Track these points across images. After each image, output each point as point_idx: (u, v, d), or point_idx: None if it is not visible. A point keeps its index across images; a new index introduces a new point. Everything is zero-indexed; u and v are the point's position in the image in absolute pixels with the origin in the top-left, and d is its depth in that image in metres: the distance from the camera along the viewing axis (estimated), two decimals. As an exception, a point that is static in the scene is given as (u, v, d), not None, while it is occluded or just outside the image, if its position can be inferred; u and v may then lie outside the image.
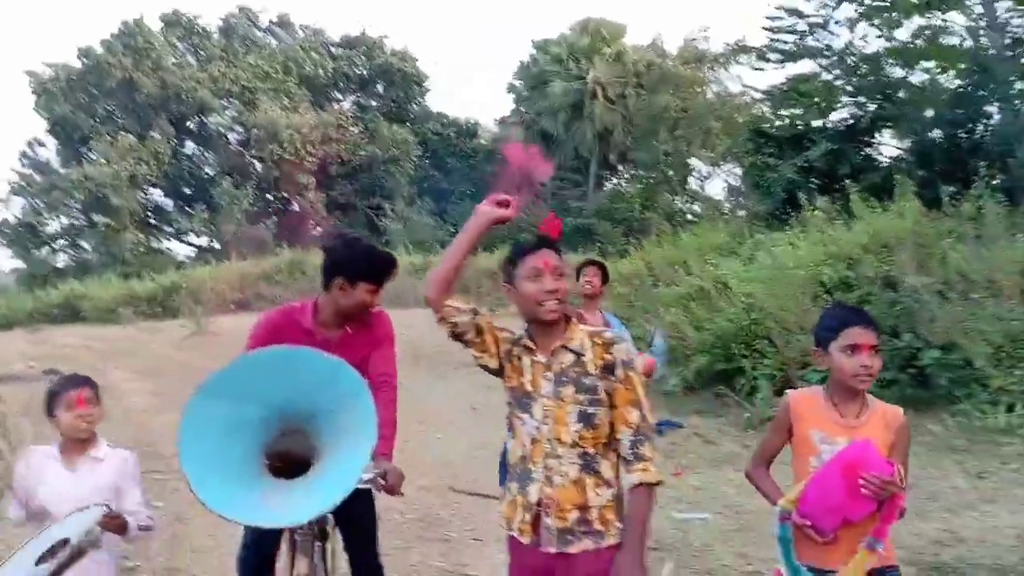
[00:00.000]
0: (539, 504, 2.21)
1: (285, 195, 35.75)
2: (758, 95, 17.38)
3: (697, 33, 32.59)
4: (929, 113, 14.11)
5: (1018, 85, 13.84)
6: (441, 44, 70.46)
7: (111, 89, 33.99)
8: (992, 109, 13.65)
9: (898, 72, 15.14)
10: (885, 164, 14.40)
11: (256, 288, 23.36)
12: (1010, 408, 6.12)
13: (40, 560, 2.39)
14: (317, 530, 2.78)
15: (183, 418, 2.21)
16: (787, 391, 2.51)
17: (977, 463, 5.77)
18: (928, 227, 9.06)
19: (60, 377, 3.00)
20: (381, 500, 3.12)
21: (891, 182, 10.97)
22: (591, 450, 2.20)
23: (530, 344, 2.30)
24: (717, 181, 31.42)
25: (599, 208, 26.68)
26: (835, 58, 15.30)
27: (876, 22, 14.97)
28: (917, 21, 14.96)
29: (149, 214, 35.66)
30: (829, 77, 15.47)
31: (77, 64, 34.53)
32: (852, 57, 15.12)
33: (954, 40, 14.96)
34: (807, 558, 2.28)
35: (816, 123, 15.27)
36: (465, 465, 6.88)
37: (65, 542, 2.44)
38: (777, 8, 15.59)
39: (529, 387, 2.27)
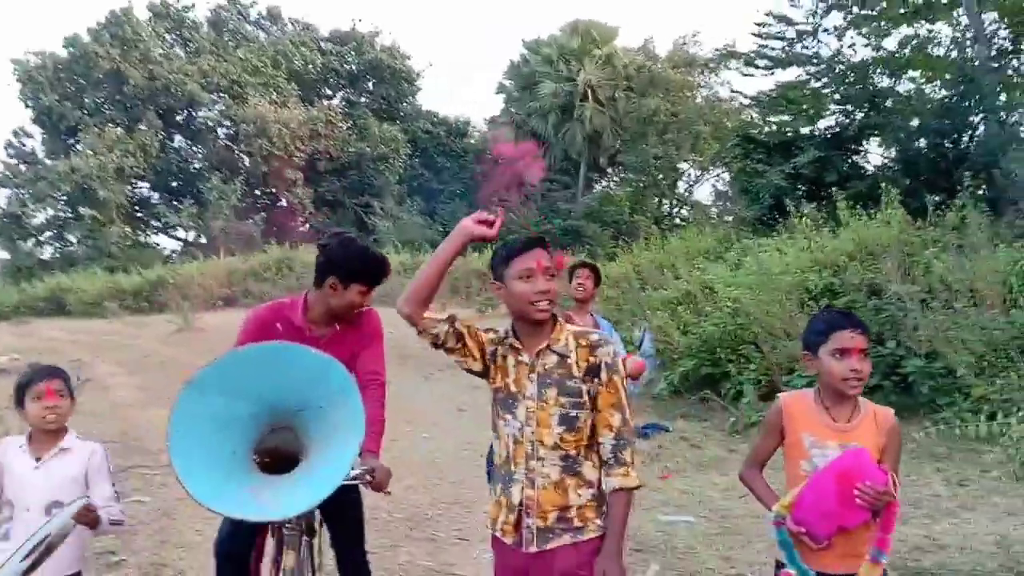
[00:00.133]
0: (521, 505, 2.23)
1: (273, 191, 35.59)
2: (747, 101, 17.52)
3: (688, 37, 32.80)
4: (915, 122, 14.27)
5: (1003, 96, 14.02)
6: (432, 42, 70.48)
7: (98, 80, 33.69)
8: (977, 120, 13.81)
9: (885, 81, 15.30)
10: (871, 172, 14.54)
11: (243, 284, 23.27)
12: (991, 417, 6.18)
13: (26, 557, 2.39)
14: (304, 525, 2.79)
15: (172, 412, 2.21)
16: (779, 394, 2.52)
17: (958, 471, 5.85)
18: (913, 236, 9.16)
19: (30, 368, 2.94)
20: (368, 499, 3.14)
21: (877, 190, 11.07)
22: (573, 452, 2.21)
23: (516, 344, 2.30)
24: (705, 185, 31.57)
25: (588, 210, 26.75)
26: (823, 66, 15.45)
27: (864, 31, 15.13)
28: (904, 31, 15.14)
29: (136, 207, 35.41)
30: (817, 85, 15.62)
31: (63, 53, 34.22)
32: (840, 65, 15.27)
33: (940, 51, 15.15)
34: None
35: (804, 130, 15.41)
36: (451, 465, 6.91)
37: (45, 539, 2.42)
38: (766, 15, 15.73)
39: (513, 388, 2.28)
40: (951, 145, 13.64)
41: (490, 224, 2.27)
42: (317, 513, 2.90)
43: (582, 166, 31.92)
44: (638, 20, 73.24)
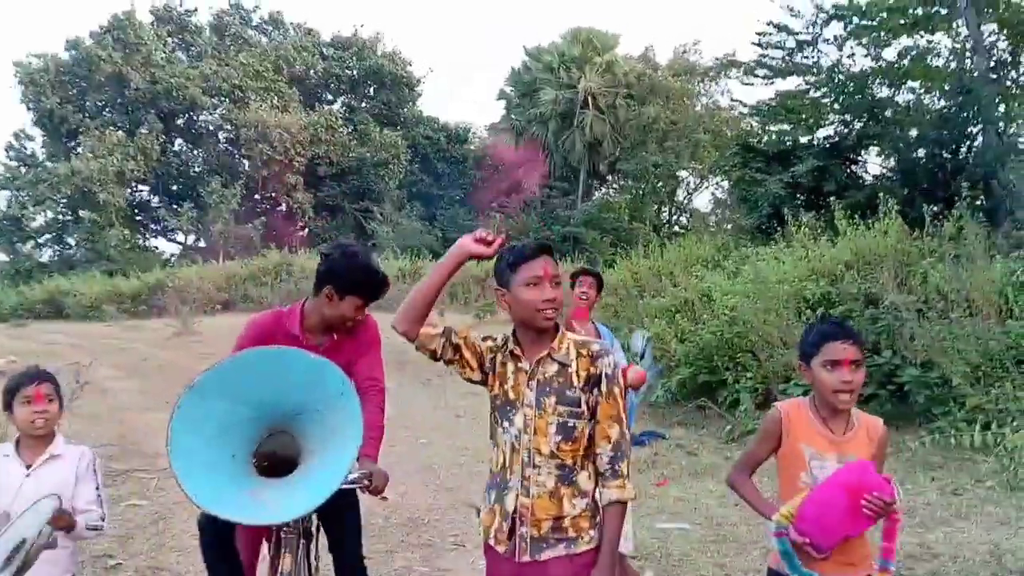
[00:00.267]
0: (515, 513, 2.22)
1: (273, 195, 35.65)
2: (746, 110, 17.56)
3: (688, 46, 32.89)
4: (914, 133, 14.31)
5: (1001, 108, 14.07)
6: (434, 47, 70.66)
7: (100, 83, 33.79)
8: (976, 131, 13.86)
9: (884, 91, 15.35)
10: (870, 182, 14.58)
11: (242, 288, 23.29)
12: (986, 427, 6.21)
13: (5, 563, 2.37)
14: (302, 529, 2.81)
15: (173, 416, 2.23)
16: (775, 403, 2.51)
17: (952, 480, 5.87)
18: (910, 246, 9.18)
19: (19, 372, 2.91)
20: (365, 503, 3.17)
21: (875, 200, 11.10)
22: (569, 462, 2.20)
23: (516, 351, 2.29)
24: (704, 193, 31.65)
25: (587, 217, 26.79)
26: (823, 76, 15.49)
27: (863, 41, 15.18)
28: (904, 42, 15.18)
29: (136, 211, 35.46)
30: (816, 94, 15.66)
31: (65, 56, 34.30)
32: (839, 75, 15.31)
33: (940, 62, 15.19)
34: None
35: (803, 139, 15.46)
36: (449, 470, 6.93)
37: (22, 543, 2.40)
38: (767, 24, 15.78)
39: (511, 395, 2.27)
40: (949, 156, 13.68)
41: (488, 243, 2.27)
42: (314, 517, 2.92)
43: (582, 173, 31.98)
44: (638, 29, 73.53)
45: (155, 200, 36.45)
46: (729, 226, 17.91)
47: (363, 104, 38.82)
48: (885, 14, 14.75)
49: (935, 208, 10.54)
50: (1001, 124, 13.92)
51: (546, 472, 2.20)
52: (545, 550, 2.19)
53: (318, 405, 2.45)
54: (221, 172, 34.34)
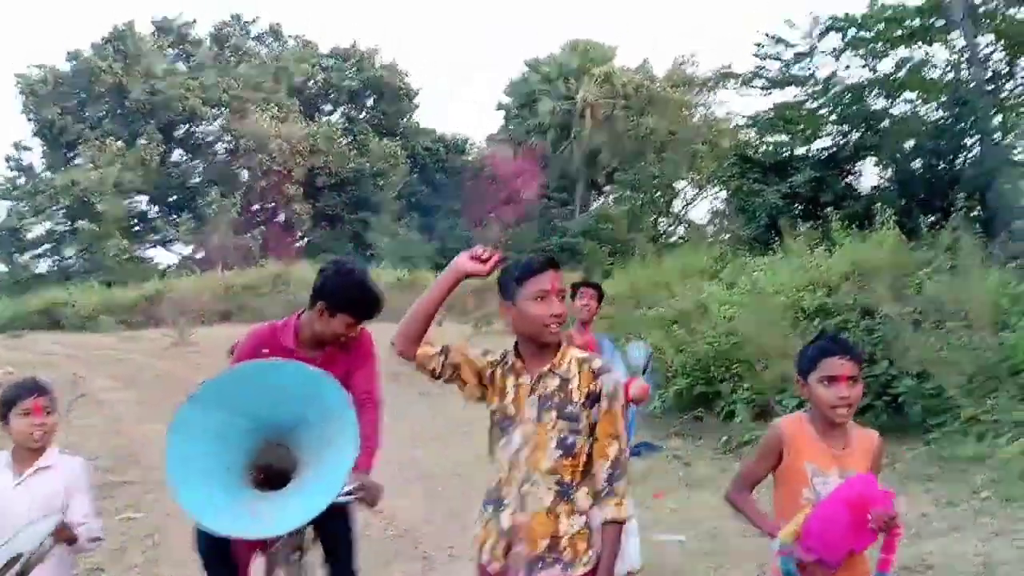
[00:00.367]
0: (511, 530, 2.19)
1: (272, 206, 35.70)
2: (744, 121, 17.62)
3: (686, 57, 33.03)
4: (910, 144, 14.36)
5: (998, 119, 14.13)
6: (433, 60, 70.73)
7: (100, 94, 33.89)
8: (972, 142, 13.91)
9: (881, 102, 15.41)
10: (867, 192, 14.62)
11: (240, 299, 23.29)
12: (980, 438, 6.22)
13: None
14: (296, 542, 2.81)
15: (170, 427, 2.25)
16: (776, 419, 2.50)
17: (947, 491, 5.86)
18: (906, 257, 9.21)
19: (15, 383, 2.90)
20: (360, 515, 3.17)
21: (872, 210, 11.14)
22: (568, 479, 2.18)
23: (517, 364, 2.27)
24: (702, 204, 31.71)
25: (585, 228, 26.84)
26: (819, 87, 15.55)
27: (860, 52, 15.25)
28: (900, 53, 15.25)
29: (134, 221, 35.48)
30: (813, 105, 15.72)
31: (65, 67, 34.42)
32: (836, 87, 15.38)
33: (936, 73, 15.26)
34: None
35: (800, 150, 15.50)
36: (445, 482, 6.92)
37: (18, 557, 2.39)
38: (764, 35, 15.86)
39: (511, 410, 2.25)
40: (946, 167, 13.72)
41: (484, 260, 2.25)
42: (309, 530, 2.92)
43: (580, 184, 32.07)
44: (636, 41, 73.82)
45: (153, 211, 36.47)
46: (727, 236, 17.92)
47: (362, 115, 38.94)
48: (882, 25, 14.84)
49: (931, 219, 10.58)
50: (997, 135, 13.98)
51: (544, 488, 2.18)
52: (540, 570, 2.16)
53: (314, 418, 2.45)
54: (220, 183, 34.39)
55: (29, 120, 34.16)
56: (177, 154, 37.00)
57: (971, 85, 14.24)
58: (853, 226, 10.67)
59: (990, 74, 14.65)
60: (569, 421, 2.18)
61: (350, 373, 3.06)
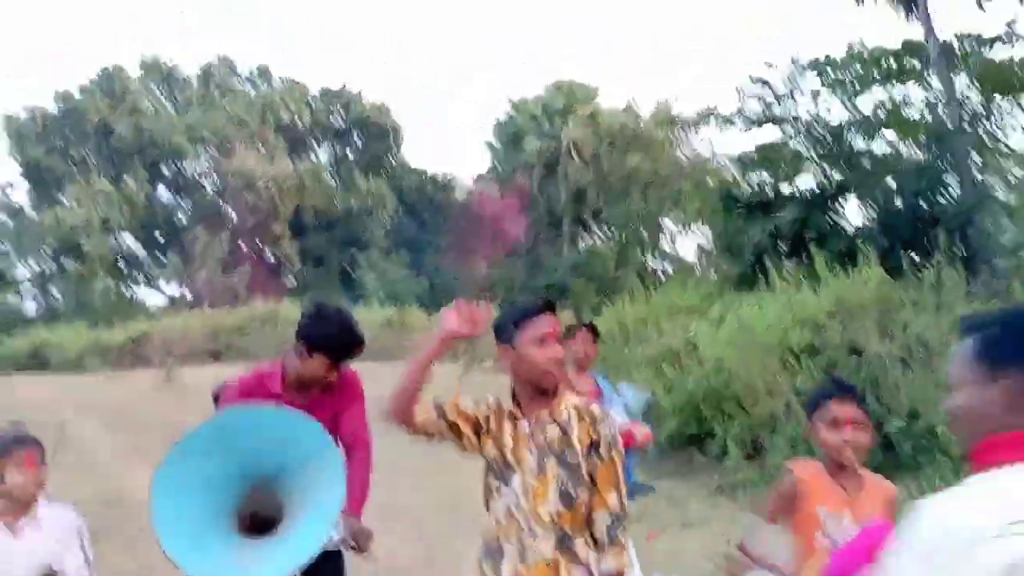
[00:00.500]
0: None
1: (259, 244, 35.68)
2: (727, 161, 17.85)
3: (669, 99, 33.50)
4: (891, 182, 14.57)
5: (977, 158, 14.39)
6: (420, 99, 71.48)
7: (86, 133, 33.99)
8: (952, 181, 14.14)
9: (861, 142, 15.67)
10: (850, 231, 14.78)
11: (227, 339, 23.15)
12: (971, 475, 6.25)
13: None
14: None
15: (155, 476, 2.24)
16: (789, 468, 2.47)
17: (939, 529, 5.86)
18: (891, 294, 9.30)
19: (3, 435, 2.88)
20: (352, 559, 3.15)
21: (856, 248, 11.27)
22: (568, 528, 2.15)
23: (515, 412, 2.26)
24: (689, 241, 31.95)
25: (573, 265, 26.94)
26: (801, 128, 15.81)
27: (839, 94, 15.55)
28: (878, 94, 15.57)
29: (121, 260, 35.35)
30: (795, 146, 15.96)
31: (53, 108, 34.56)
32: (816, 127, 15.64)
33: (914, 113, 15.55)
34: None
35: (784, 189, 15.70)
36: (437, 523, 6.86)
37: None
38: (747, 77, 16.15)
39: (510, 458, 2.22)
40: (927, 206, 13.92)
41: (473, 321, 2.22)
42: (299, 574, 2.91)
43: (566, 221, 32.24)
44: (619, 83, 74.90)
45: (140, 250, 36.37)
46: (713, 273, 18.04)
47: (349, 154, 39.16)
48: (859, 67, 15.16)
49: (914, 256, 10.70)
50: (976, 174, 14.22)
51: (544, 539, 2.15)
52: None
53: (298, 462, 2.46)
54: (207, 221, 34.39)
55: (15, 160, 34.19)
56: (164, 193, 37.03)
57: (948, 126, 14.52)
58: (837, 264, 10.78)
59: (968, 115, 14.95)
60: (570, 471, 2.16)
61: (338, 415, 3.06)
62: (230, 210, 35.15)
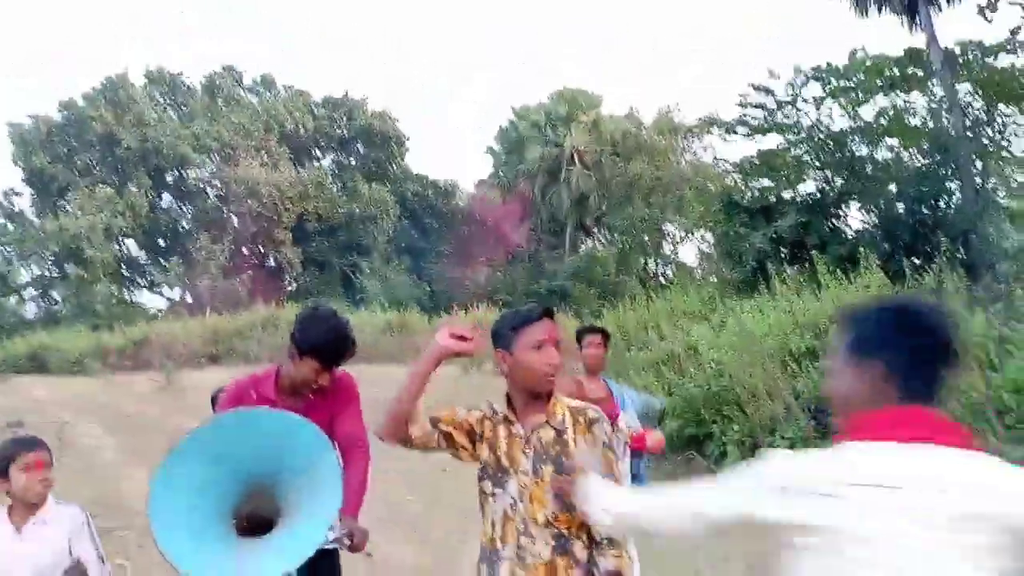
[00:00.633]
0: None
1: (262, 250, 35.75)
2: (729, 167, 17.89)
3: (671, 106, 33.58)
4: (893, 189, 14.60)
5: (978, 164, 14.41)
6: (423, 106, 71.70)
7: (91, 142, 34.09)
8: (954, 187, 14.16)
9: (863, 149, 15.69)
10: (852, 237, 14.80)
11: (228, 343, 23.16)
12: (971, 479, 6.23)
13: None
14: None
15: (153, 480, 2.24)
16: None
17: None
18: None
19: (13, 439, 2.95)
20: (350, 560, 3.14)
21: (857, 254, 11.28)
22: (565, 530, 2.14)
23: (510, 416, 2.25)
24: (690, 247, 31.99)
25: (575, 270, 26.99)
26: (802, 135, 15.84)
27: (841, 101, 15.58)
28: (881, 101, 15.59)
29: (123, 266, 35.42)
30: (797, 152, 15.99)
31: (58, 117, 34.68)
32: (819, 134, 15.67)
33: (917, 120, 15.58)
34: None
35: (785, 195, 15.72)
36: (434, 525, 6.86)
37: None
38: (748, 84, 16.20)
39: (505, 461, 2.21)
40: (928, 211, 13.93)
41: (463, 339, 2.22)
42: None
43: (569, 227, 32.31)
44: (622, 91, 75.10)
45: (143, 256, 36.46)
46: (714, 278, 18.06)
47: (352, 161, 39.26)
48: (862, 75, 15.19)
49: (916, 262, 10.70)
50: (978, 180, 14.23)
51: (541, 542, 2.14)
52: None
53: (296, 464, 2.46)
54: (210, 228, 34.47)
55: (19, 167, 34.27)
56: (167, 200, 37.12)
57: (951, 132, 14.54)
58: (839, 270, 10.78)
59: (969, 121, 14.97)
60: (566, 473, 2.14)
61: (334, 418, 3.05)
62: (233, 217, 35.25)
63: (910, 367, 1.44)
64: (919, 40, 15.07)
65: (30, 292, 34.24)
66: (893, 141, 15.66)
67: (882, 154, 15.70)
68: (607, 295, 21.08)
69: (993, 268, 11.11)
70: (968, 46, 14.60)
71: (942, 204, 14.09)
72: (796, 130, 15.95)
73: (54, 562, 2.68)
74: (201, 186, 36.73)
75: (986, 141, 15.07)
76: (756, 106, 16.26)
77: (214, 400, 3.89)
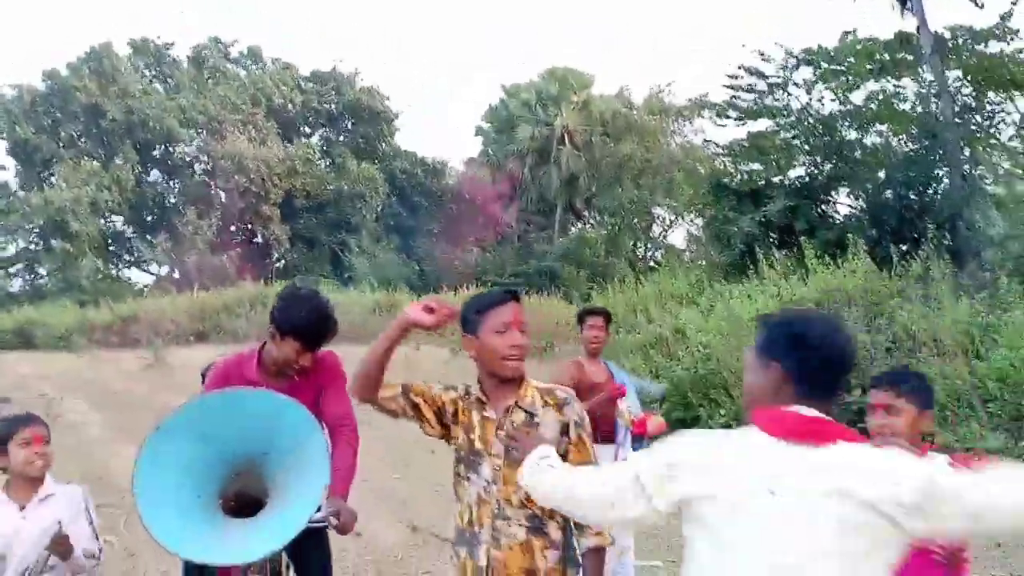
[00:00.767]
0: (488, 568, 2.17)
1: (249, 227, 35.52)
2: (719, 149, 17.89)
3: (662, 87, 33.47)
4: (882, 174, 14.64)
5: (966, 151, 14.46)
6: (413, 83, 71.04)
7: (76, 113, 33.64)
8: (942, 173, 14.22)
9: (852, 134, 15.72)
10: (840, 221, 14.86)
11: (216, 320, 23.04)
12: (953, 465, 6.30)
13: None
14: (270, 568, 2.79)
15: (139, 457, 2.24)
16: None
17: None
18: (878, 285, 9.37)
19: (12, 415, 2.97)
20: (337, 540, 3.16)
21: (845, 239, 11.33)
22: (539, 511, 2.15)
23: (482, 398, 2.26)
24: (680, 230, 32.00)
25: (564, 252, 26.97)
26: (792, 118, 15.84)
27: (832, 85, 15.57)
28: (871, 86, 15.60)
29: (109, 241, 35.11)
30: (787, 136, 16.00)
31: (42, 86, 34.17)
32: (809, 118, 15.67)
33: (906, 106, 15.60)
34: None
35: (774, 179, 15.75)
36: (421, 505, 6.89)
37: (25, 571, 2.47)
38: (739, 68, 16.13)
39: (478, 444, 2.23)
40: (916, 197, 14.00)
41: (431, 311, 2.23)
42: (284, 556, 2.91)
43: (558, 208, 32.24)
44: (614, 70, 74.65)
45: (129, 231, 36.12)
46: (703, 262, 18.11)
47: (341, 138, 38.95)
48: (853, 59, 15.18)
49: (903, 248, 10.77)
50: (966, 167, 14.30)
51: (516, 523, 2.16)
52: None
53: (283, 444, 2.46)
54: (196, 203, 34.18)
55: (2, 139, 33.80)
56: (154, 174, 36.73)
57: (940, 118, 14.57)
58: (826, 255, 10.83)
59: (958, 108, 15.01)
60: (515, 460, 2.13)
61: (320, 398, 3.04)
62: (220, 192, 34.95)
63: (801, 373, 1.63)
64: (911, 25, 15.05)
65: (15, 267, 33.92)
66: (882, 127, 15.69)
67: (871, 139, 15.74)
68: (596, 277, 21.11)
69: (979, 256, 11.19)
70: (958, 31, 14.59)
71: (930, 191, 14.15)
72: (785, 113, 15.95)
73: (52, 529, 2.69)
74: (188, 160, 36.38)
75: (974, 127, 15.12)
76: (746, 89, 16.24)
77: (204, 376, 3.87)
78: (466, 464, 2.27)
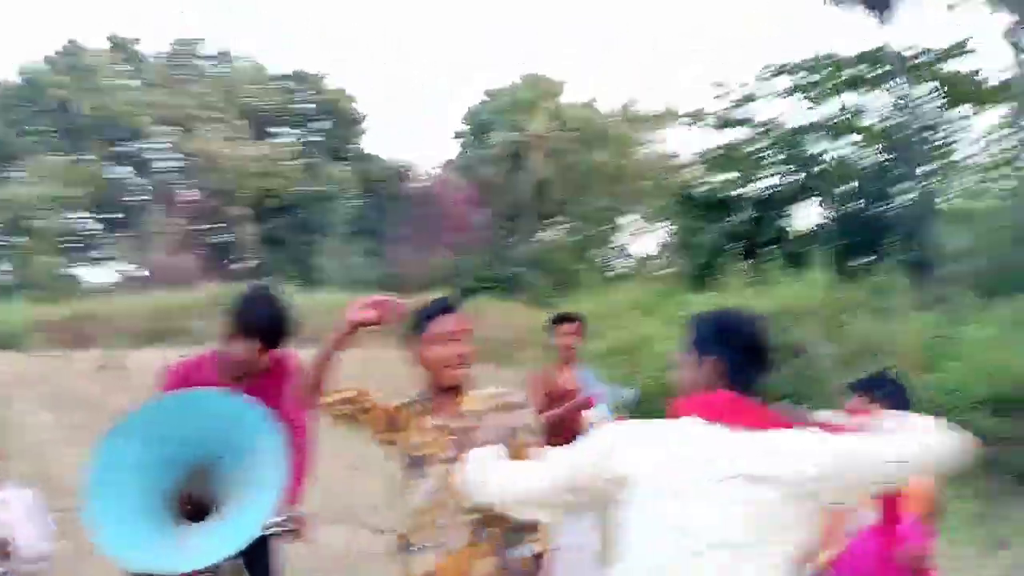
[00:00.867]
0: (432, 574, 2.17)
1: (218, 226, 35.10)
2: (687, 159, 18.05)
3: (633, 96, 33.75)
4: (847, 187, 14.86)
5: (930, 165, 14.74)
6: (389, 86, 70.68)
7: (46, 108, 33.11)
8: (905, 187, 14.47)
9: (819, 146, 15.95)
10: (805, 234, 15.04)
11: (176, 321, 22.67)
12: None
13: None
14: (224, 573, 2.74)
15: (91, 460, 2.19)
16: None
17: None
18: (837, 297, 9.46)
19: None
20: (289, 545, 3.10)
21: (809, 251, 11.46)
22: (482, 518, 2.15)
23: (428, 405, 2.27)
24: (648, 238, 32.24)
25: (533, 257, 26.99)
26: (760, 130, 16.03)
27: (800, 97, 15.78)
28: (839, 100, 15.84)
29: (72, 238, 34.50)
30: (755, 147, 16.18)
31: (16, 81, 33.61)
32: (776, 130, 15.87)
33: (874, 119, 15.87)
34: None
35: (741, 190, 15.92)
36: (374, 511, 6.80)
37: None
38: (710, 79, 16.31)
39: (422, 451, 2.23)
40: (880, 210, 14.22)
41: (376, 306, 2.22)
42: (239, 562, 2.85)
43: (529, 214, 32.29)
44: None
45: (95, 227, 35.54)
46: (670, 271, 18.23)
47: (312, 138, 38.72)
48: (823, 72, 15.40)
49: (867, 259, 10.91)
50: (928, 181, 14.56)
51: (459, 530, 2.17)
52: None
53: (240, 447, 2.42)
54: (165, 202, 33.73)
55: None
56: (123, 171, 36.22)
57: (906, 133, 14.83)
58: (790, 266, 10.94)
59: (925, 123, 15.29)
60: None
61: (277, 400, 3.00)
62: (189, 191, 34.51)
63: (731, 365, 1.74)
64: (885, 37, 15.30)
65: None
66: (849, 140, 15.94)
67: (838, 152, 15.97)
68: (564, 283, 21.13)
69: (939, 269, 11.39)
70: (923, 50, 14.88)
71: (894, 204, 14.38)
72: (753, 125, 16.14)
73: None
74: (158, 158, 35.91)
75: (939, 143, 15.41)
76: (714, 99, 16.41)
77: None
78: (411, 470, 2.26)
